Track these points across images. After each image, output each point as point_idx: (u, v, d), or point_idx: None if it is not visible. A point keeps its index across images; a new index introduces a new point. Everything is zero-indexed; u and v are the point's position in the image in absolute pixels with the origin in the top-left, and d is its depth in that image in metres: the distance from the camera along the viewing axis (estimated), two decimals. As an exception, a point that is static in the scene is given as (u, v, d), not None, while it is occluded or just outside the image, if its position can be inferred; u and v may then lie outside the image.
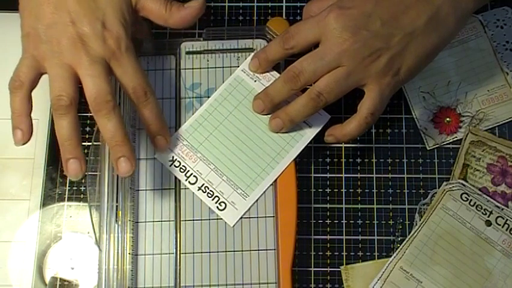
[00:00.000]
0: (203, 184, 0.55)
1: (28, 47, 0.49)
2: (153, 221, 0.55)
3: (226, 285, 0.54)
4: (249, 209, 0.55)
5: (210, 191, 0.55)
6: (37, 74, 0.49)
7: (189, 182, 0.55)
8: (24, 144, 0.49)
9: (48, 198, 0.58)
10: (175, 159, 0.56)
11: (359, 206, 0.58)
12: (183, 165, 0.56)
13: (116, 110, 0.48)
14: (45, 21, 0.48)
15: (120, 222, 0.53)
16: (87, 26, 0.48)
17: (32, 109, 0.49)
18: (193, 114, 0.57)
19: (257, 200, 0.55)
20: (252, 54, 0.57)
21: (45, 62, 0.48)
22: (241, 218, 0.55)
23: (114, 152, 0.49)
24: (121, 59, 0.49)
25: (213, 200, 0.55)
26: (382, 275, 0.55)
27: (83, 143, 0.59)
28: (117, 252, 0.52)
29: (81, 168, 0.48)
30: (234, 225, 0.55)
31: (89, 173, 0.57)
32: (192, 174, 0.55)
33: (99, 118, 0.48)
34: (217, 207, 0.55)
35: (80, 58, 0.48)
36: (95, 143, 0.59)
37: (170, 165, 0.56)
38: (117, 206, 0.53)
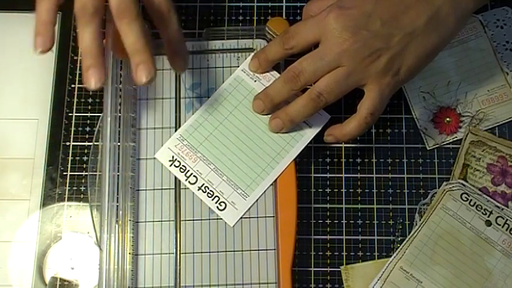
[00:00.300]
0: (203, 184, 0.55)
1: None
2: (153, 221, 0.55)
3: (226, 285, 0.54)
4: (249, 209, 0.55)
5: (210, 191, 0.55)
6: None
7: (189, 182, 0.55)
8: (42, 53, 0.47)
9: (48, 198, 0.58)
10: (175, 159, 0.56)
11: (359, 206, 0.58)
12: (183, 165, 0.56)
13: (139, 18, 0.46)
14: None
15: (120, 222, 0.53)
16: None
17: (56, 22, 0.47)
18: (193, 114, 0.57)
19: (257, 200, 0.55)
20: (252, 54, 0.57)
21: None
22: (241, 218, 0.55)
23: (133, 59, 0.47)
24: None
25: (213, 200, 0.55)
26: (382, 275, 0.55)
27: (83, 143, 0.59)
28: (117, 252, 0.52)
29: (100, 78, 0.46)
30: (234, 225, 0.55)
31: (89, 173, 0.57)
32: (192, 174, 0.56)
33: (121, 25, 0.47)
34: (217, 207, 0.55)
35: None
36: (95, 143, 0.59)
37: (170, 165, 0.56)
38: (117, 206, 0.53)
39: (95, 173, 0.57)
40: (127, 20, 0.46)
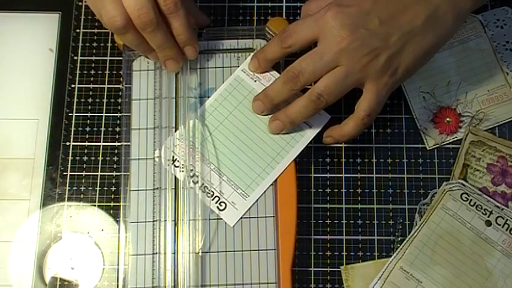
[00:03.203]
0: (203, 184, 0.55)
1: None
2: (153, 221, 0.55)
3: (226, 285, 0.54)
4: (249, 209, 0.55)
5: (210, 191, 0.55)
6: None
7: (188, 182, 0.55)
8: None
9: (48, 198, 0.58)
10: (175, 159, 0.56)
11: (359, 206, 0.58)
12: (183, 165, 0.56)
13: (160, 25, 0.51)
14: None
15: (120, 222, 0.53)
16: None
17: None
18: (193, 114, 0.57)
19: (257, 200, 0.55)
20: (252, 54, 0.57)
21: None
22: (241, 218, 0.55)
23: (161, 56, 0.54)
24: None
25: (213, 200, 0.55)
26: (382, 275, 0.55)
27: (83, 143, 0.59)
28: (118, 252, 0.52)
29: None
30: (234, 225, 0.55)
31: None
32: (192, 174, 0.55)
33: (146, 34, 0.51)
34: (217, 207, 0.55)
35: None
36: (95, 143, 0.59)
37: (170, 165, 0.56)
38: (117, 206, 0.53)
39: (95, 173, 0.58)
40: (150, 30, 0.51)
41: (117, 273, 0.55)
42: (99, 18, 0.52)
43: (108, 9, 0.49)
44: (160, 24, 0.51)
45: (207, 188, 0.55)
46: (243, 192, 0.55)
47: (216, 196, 0.55)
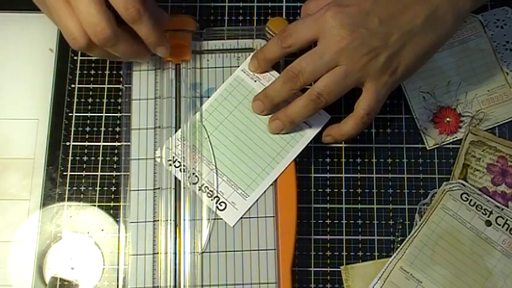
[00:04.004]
0: (203, 184, 0.55)
1: None
2: (153, 221, 0.55)
3: (226, 285, 0.54)
4: (249, 209, 0.55)
5: (210, 191, 0.55)
6: None
7: (189, 182, 0.55)
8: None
9: (48, 198, 0.58)
10: (175, 159, 0.56)
11: (359, 206, 0.58)
12: (183, 165, 0.56)
13: (120, 38, 0.49)
14: None
15: (120, 222, 0.53)
16: None
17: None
18: (193, 114, 0.57)
19: (257, 200, 0.55)
20: (252, 54, 0.57)
21: (49, 6, 0.49)
22: (241, 218, 0.55)
23: (151, 46, 0.53)
24: None
25: (213, 200, 0.55)
26: (382, 275, 0.55)
27: (83, 143, 0.59)
28: (118, 252, 0.52)
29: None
30: (234, 225, 0.55)
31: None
32: (192, 174, 0.56)
33: (108, 49, 0.50)
34: (217, 207, 0.55)
35: None
36: (95, 143, 0.59)
37: (170, 165, 0.56)
38: (117, 206, 0.53)
39: (95, 173, 0.57)
40: (139, 22, 0.50)
41: (117, 273, 0.55)
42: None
43: (67, 29, 0.48)
44: (119, 37, 0.49)
45: (207, 188, 0.55)
46: (243, 192, 0.55)
47: (216, 196, 0.55)
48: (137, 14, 0.49)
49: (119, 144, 0.59)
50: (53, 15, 0.50)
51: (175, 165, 0.56)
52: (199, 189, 0.55)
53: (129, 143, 0.56)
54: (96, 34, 0.48)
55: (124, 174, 0.56)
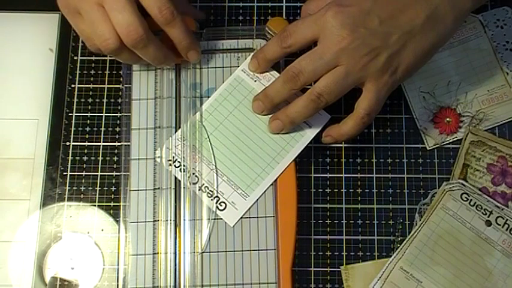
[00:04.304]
0: (203, 184, 0.55)
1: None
2: (153, 221, 0.55)
3: (226, 285, 0.54)
4: (249, 209, 0.55)
5: (210, 191, 0.55)
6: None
7: (189, 182, 0.55)
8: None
9: (48, 198, 0.58)
10: (175, 159, 0.56)
11: (359, 206, 0.58)
12: (183, 165, 0.56)
13: (151, 41, 0.50)
14: None
15: (120, 222, 0.53)
16: None
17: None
18: (193, 114, 0.57)
19: (257, 200, 0.55)
20: (252, 54, 0.57)
21: (81, 11, 0.50)
22: (241, 218, 0.55)
23: (183, 50, 0.54)
24: None
25: (213, 200, 0.55)
26: (382, 275, 0.55)
27: (83, 143, 0.59)
28: (118, 252, 0.52)
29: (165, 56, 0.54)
30: (234, 225, 0.55)
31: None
32: (192, 174, 0.56)
33: (138, 51, 0.51)
34: (217, 207, 0.55)
35: None
36: (95, 143, 0.59)
37: (170, 165, 0.56)
38: (117, 206, 0.53)
39: (95, 173, 0.58)
40: (141, 46, 0.50)
41: (117, 273, 0.55)
42: (89, 45, 0.52)
43: (100, 32, 0.49)
44: (151, 39, 0.50)
45: (207, 188, 0.55)
46: (243, 192, 0.55)
47: (216, 196, 0.55)
48: (171, 16, 0.50)
49: (118, 144, 0.59)
50: (85, 20, 0.50)
51: (175, 165, 0.56)
52: (199, 189, 0.55)
53: (129, 143, 0.56)
54: (129, 34, 0.49)
55: (124, 174, 0.56)
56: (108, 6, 0.49)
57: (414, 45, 0.51)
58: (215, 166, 0.56)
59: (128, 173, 0.56)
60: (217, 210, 0.55)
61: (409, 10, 0.50)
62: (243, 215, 0.55)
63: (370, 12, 0.50)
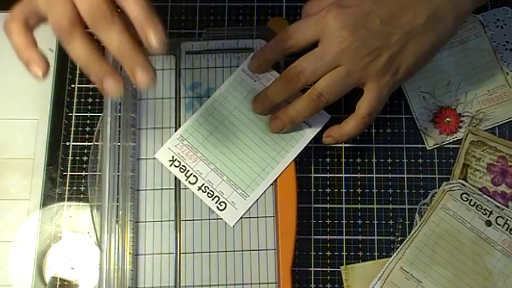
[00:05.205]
0: (203, 184, 0.55)
1: None
2: (153, 221, 0.55)
3: (226, 285, 0.54)
4: (249, 209, 0.55)
5: (210, 191, 0.55)
6: (30, 7, 0.44)
7: (189, 182, 0.55)
8: (44, 77, 0.44)
9: (48, 198, 0.58)
10: (175, 159, 0.56)
11: (359, 206, 0.58)
12: (183, 165, 0.56)
13: (116, 18, 0.40)
14: None
15: (120, 222, 0.53)
16: None
17: (35, 43, 0.44)
18: (193, 114, 0.57)
19: (257, 200, 0.55)
20: (252, 54, 0.57)
21: None
22: (241, 218, 0.55)
23: (126, 64, 0.41)
24: None
25: (213, 200, 0.55)
26: (382, 275, 0.55)
27: (83, 143, 0.59)
28: (118, 252, 0.52)
29: (119, 84, 0.42)
30: (234, 225, 0.55)
31: (89, 173, 0.57)
32: (192, 174, 0.56)
33: (101, 34, 0.41)
34: (217, 207, 0.55)
35: None
36: (95, 143, 0.59)
37: (170, 165, 0.56)
38: (117, 205, 0.53)
39: (95, 173, 0.57)
40: (105, 24, 0.41)
41: (117, 273, 0.55)
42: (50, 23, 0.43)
43: (56, 9, 0.41)
44: (116, 18, 0.40)
45: (207, 188, 0.55)
46: (243, 192, 0.55)
47: (216, 196, 0.55)
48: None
49: (119, 144, 0.59)
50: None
51: (175, 165, 0.56)
52: (199, 189, 0.55)
53: (134, 144, 0.56)
54: (91, 7, 0.40)
55: (124, 174, 0.56)
56: None
57: (415, 45, 0.51)
58: (215, 166, 0.56)
59: (133, 174, 0.56)
60: (217, 210, 0.55)
61: (410, 10, 0.50)
62: (243, 215, 0.55)
63: (370, 12, 0.50)
